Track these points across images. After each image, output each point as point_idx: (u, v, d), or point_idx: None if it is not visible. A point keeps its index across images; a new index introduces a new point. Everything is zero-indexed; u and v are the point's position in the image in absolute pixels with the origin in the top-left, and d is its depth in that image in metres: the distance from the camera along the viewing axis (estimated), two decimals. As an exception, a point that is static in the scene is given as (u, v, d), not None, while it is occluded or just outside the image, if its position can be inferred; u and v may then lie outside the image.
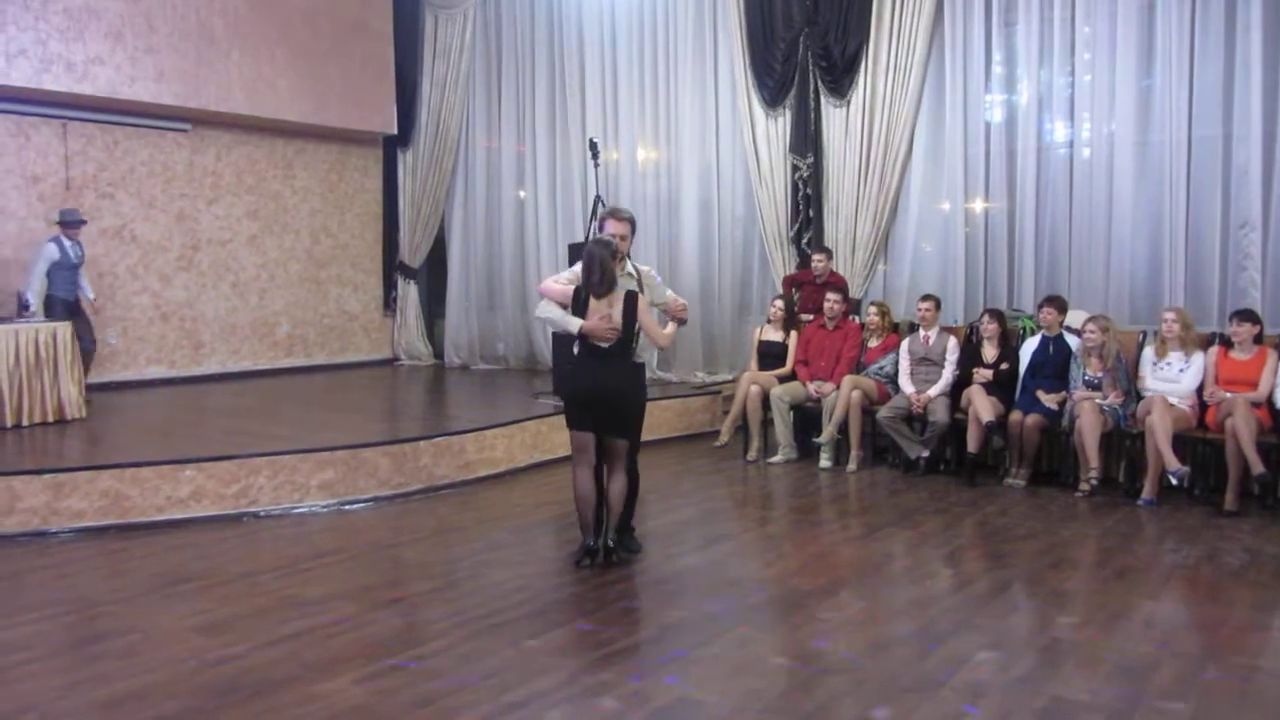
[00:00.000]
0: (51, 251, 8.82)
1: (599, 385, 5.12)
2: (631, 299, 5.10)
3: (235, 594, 4.86)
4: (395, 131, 12.16)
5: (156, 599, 4.80)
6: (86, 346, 8.97)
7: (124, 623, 4.46)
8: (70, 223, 9.01)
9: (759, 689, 3.70)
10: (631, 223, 5.38)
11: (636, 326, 5.16)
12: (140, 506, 6.17)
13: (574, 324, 5.14)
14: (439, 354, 12.54)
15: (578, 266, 5.27)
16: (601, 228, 5.40)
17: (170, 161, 10.60)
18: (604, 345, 5.11)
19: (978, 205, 8.55)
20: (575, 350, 5.26)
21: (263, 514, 6.38)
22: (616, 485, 5.18)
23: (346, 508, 6.57)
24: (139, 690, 3.71)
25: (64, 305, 8.89)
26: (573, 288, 5.21)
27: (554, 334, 5.33)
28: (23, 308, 8.47)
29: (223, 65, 10.33)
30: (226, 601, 4.74)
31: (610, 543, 5.19)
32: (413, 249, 12.48)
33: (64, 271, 8.89)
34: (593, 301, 5.10)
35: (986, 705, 3.55)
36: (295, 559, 5.44)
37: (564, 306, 5.20)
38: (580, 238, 9.16)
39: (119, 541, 5.84)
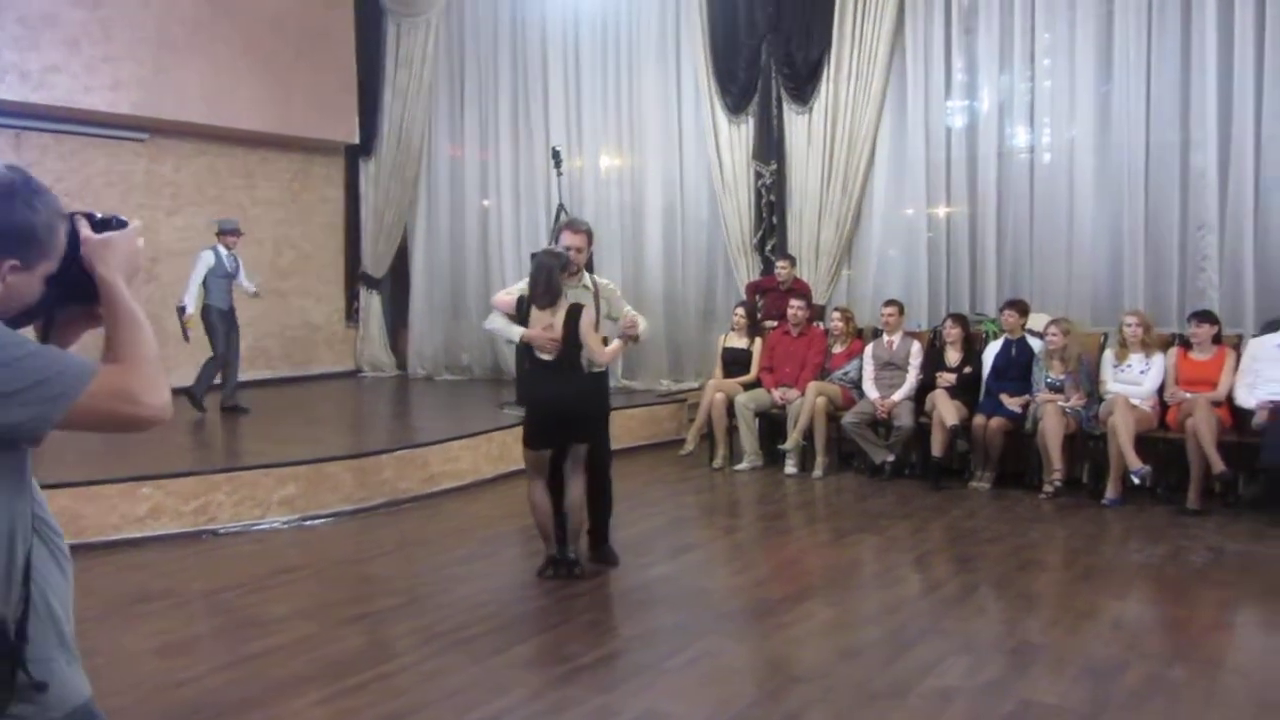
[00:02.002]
0: (208, 258, 8.85)
1: (555, 397, 5.06)
2: (574, 312, 5.00)
3: (196, 614, 4.77)
4: (358, 141, 12.05)
5: (116, 620, 4.69)
6: (232, 356, 9.14)
7: (84, 645, 4.24)
8: (228, 231, 9.05)
9: (728, 699, 3.68)
10: (588, 234, 5.36)
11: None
12: (96, 525, 6.00)
13: (515, 332, 5.10)
14: (403, 365, 12.42)
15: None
16: (558, 239, 5.37)
17: (128, 171, 10.42)
18: (547, 358, 5.07)
19: (940, 210, 8.59)
20: (526, 365, 5.22)
21: (223, 531, 6.25)
22: (575, 491, 5.10)
23: (308, 523, 6.47)
24: (95, 715, 3.62)
25: (220, 314, 8.90)
26: (516, 297, 5.18)
27: (518, 344, 5.31)
28: (181, 313, 8.59)
29: (182, 73, 10.17)
30: (187, 622, 4.66)
31: (573, 554, 5.14)
32: (376, 259, 12.34)
33: (219, 280, 8.90)
34: (535, 311, 5.04)
35: (955, 710, 3.55)
36: (256, 577, 5.34)
37: (510, 317, 5.17)
38: (544, 246, 9.11)
39: (76, 562, 5.64)
